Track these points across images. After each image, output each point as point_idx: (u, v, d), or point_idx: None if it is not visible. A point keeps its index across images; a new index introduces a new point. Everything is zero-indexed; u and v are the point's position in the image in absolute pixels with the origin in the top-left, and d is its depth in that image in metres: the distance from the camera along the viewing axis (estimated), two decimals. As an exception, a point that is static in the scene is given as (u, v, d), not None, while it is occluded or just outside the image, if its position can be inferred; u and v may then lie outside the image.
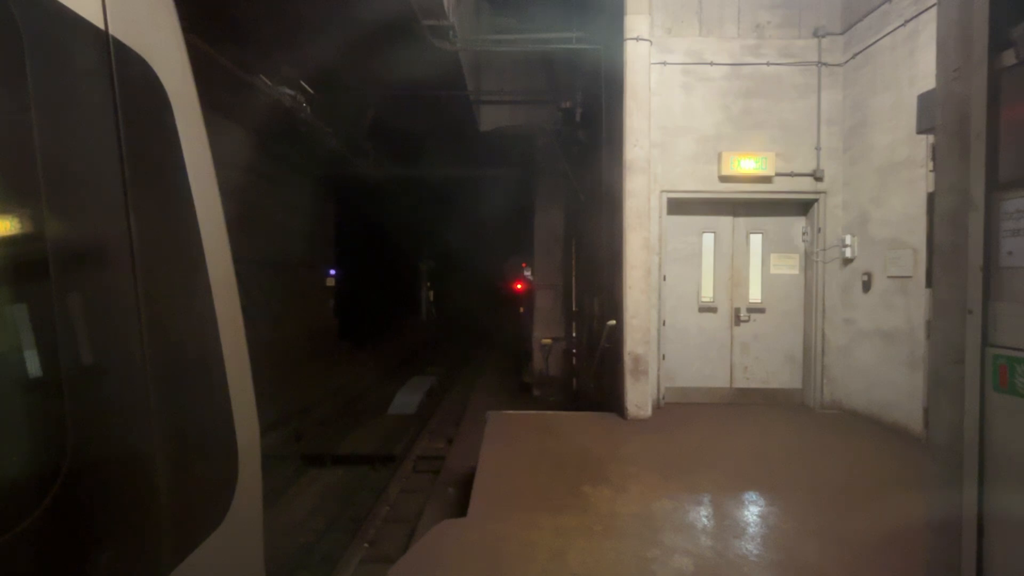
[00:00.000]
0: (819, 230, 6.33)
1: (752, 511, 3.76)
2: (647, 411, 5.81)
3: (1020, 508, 1.55)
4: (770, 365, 6.57)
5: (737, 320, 6.57)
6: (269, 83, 8.21)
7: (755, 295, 6.59)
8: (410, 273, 29.40)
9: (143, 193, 1.03)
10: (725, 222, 6.58)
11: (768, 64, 6.27)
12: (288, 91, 8.60)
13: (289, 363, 10.62)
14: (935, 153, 1.88)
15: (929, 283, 4.71)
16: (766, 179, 6.22)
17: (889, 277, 5.56)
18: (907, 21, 5.31)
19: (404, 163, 14.09)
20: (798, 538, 3.37)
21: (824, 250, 6.30)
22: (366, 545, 5.53)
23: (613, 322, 6.40)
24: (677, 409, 6.24)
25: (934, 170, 1.85)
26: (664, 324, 6.40)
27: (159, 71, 1.10)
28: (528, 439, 5.17)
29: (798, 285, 6.56)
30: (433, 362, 16.69)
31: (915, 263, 5.24)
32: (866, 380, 5.91)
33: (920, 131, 4.40)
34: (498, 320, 24.50)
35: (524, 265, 14.14)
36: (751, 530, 3.47)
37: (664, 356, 6.41)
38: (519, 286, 15.79)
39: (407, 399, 10.97)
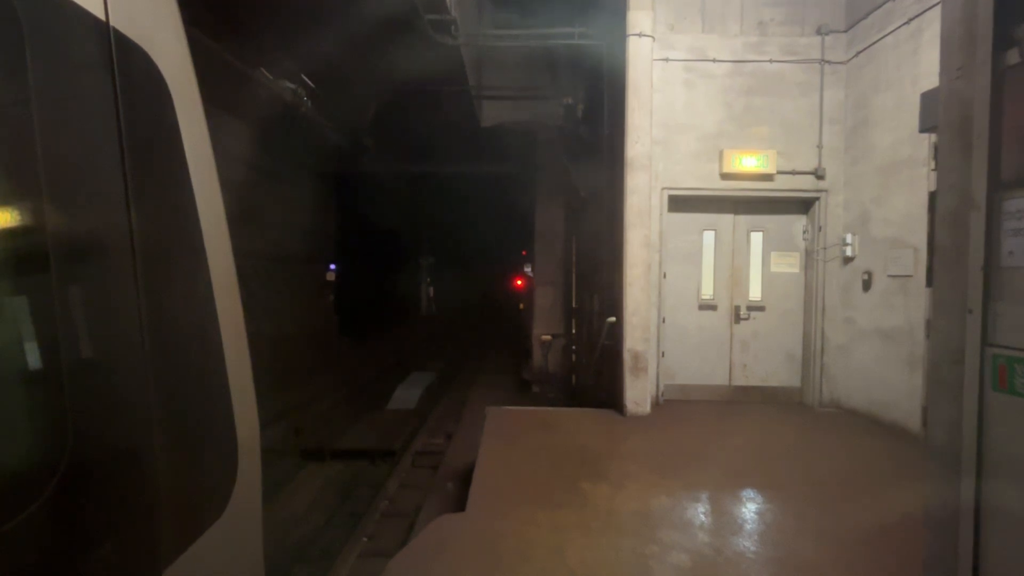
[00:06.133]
0: (820, 229, 6.32)
1: (750, 508, 3.77)
2: (646, 408, 5.82)
3: (1017, 507, 1.55)
4: (769, 363, 6.57)
5: (737, 318, 6.57)
6: (270, 77, 8.18)
7: (755, 293, 6.58)
8: (411, 268, 29.37)
9: (144, 186, 1.03)
10: (726, 220, 6.57)
11: (771, 61, 6.25)
12: (289, 85, 8.56)
13: (289, 357, 10.63)
14: (937, 152, 1.87)
15: (929, 282, 4.70)
16: (767, 177, 6.20)
17: (889, 276, 5.55)
18: (911, 19, 5.29)
19: (405, 158, 14.08)
20: (796, 535, 3.38)
21: (825, 249, 6.30)
22: (365, 539, 5.55)
23: (613, 319, 6.40)
24: (676, 406, 6.25)
25: (936, 169, 1.85)
26: (664, 321, 6.40)
27: (160, 63, 1.10)
28: (527, 435, 5.18)
29: (798, 284, 6.55)
30: (433, 357, 16.69)
31: (916, 262, 5.23)
32: (865, 379, 5.91)
33: (922, 130, 4.39)
34: (498, 316, 24.53)
35: (525, 263, 14.13)
36: (749, 527, 3.48)
37: (663, 353, 6.41)
38: (519, 283, 15.78)
39: (407, 394, 10.99)
